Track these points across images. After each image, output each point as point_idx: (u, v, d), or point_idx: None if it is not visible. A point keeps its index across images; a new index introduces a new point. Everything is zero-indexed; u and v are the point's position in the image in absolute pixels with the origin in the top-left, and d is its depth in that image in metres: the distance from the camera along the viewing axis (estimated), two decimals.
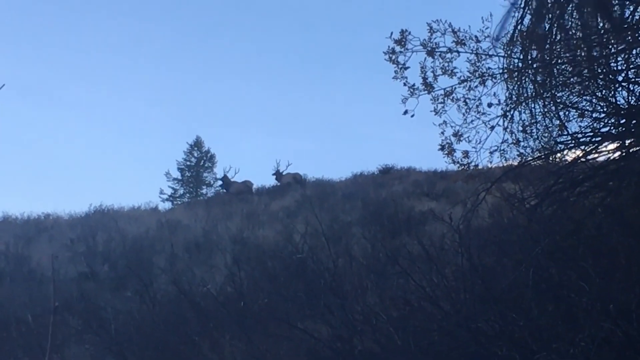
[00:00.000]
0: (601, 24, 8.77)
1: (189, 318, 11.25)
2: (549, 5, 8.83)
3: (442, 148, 10.84)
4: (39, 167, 62.99)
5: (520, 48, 9.96)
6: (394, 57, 10.49)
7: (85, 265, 17.21)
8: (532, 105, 10.32)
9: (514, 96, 10.37)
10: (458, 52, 10.34)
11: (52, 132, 67.10)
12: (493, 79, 10.59)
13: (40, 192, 56.93)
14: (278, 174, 32.72)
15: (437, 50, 10.31)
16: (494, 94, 10.69)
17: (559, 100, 10.16)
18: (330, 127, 69.52)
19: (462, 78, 10.54)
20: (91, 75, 69.01)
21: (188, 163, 40.29)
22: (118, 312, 12.42)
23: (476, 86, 10.59)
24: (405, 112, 10.61)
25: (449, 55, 10.40)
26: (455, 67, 10.56)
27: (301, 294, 10.77)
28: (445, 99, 10.52)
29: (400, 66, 10.52)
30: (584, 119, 10.08)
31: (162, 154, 71.60)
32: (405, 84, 10.63)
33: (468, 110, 10.69)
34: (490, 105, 10.75)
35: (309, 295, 10.53)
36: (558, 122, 10.31)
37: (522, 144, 10.77)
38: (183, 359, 9.48)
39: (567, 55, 9.45)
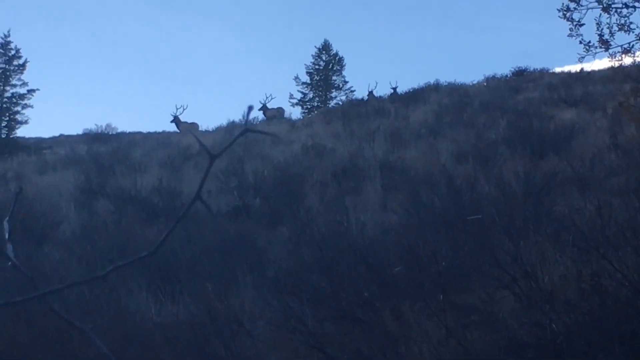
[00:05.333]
0: None
1: (359, 271, 10.94)
2: None
3: (620, 105, 10.50)
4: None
5: None
6: (568, 14, 10.10)
7: (238, 199, 17.48)
8: None
9: None
10: (635, 7, 9.81)
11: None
12: None
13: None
14: (264, 109, 36.06)
15: (613, 6, 9.81)
16: None
17: None
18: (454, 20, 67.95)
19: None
20: None
21: (317, 67, 40.38)
22: (278, 256, 12.33)
23: None
24: (581, 71, 10.32)
25: (625, 10, 9.87)
26: (632, 23, 10.07)
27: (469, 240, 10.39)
28: (623, 56, 10.09)
29: (575, 23, 10.14)
30: None
31: (290, 59, 72.19)
32: (580, 42, 10.30)
33: None
34: None
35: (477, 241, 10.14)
36: None
37: None
38: (360, 323, 8.91)
39: None
